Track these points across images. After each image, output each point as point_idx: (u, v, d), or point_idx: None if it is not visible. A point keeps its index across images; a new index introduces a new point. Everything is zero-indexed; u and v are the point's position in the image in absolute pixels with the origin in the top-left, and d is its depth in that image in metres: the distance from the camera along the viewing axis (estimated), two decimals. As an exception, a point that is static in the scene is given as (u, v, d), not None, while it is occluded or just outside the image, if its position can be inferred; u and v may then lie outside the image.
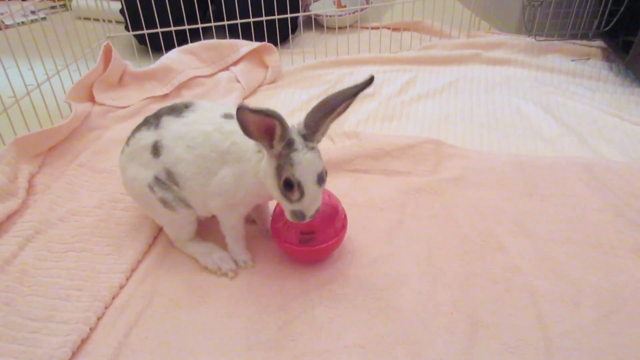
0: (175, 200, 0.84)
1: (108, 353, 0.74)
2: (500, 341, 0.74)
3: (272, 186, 0.74)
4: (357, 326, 0.77)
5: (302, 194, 0.71)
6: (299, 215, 0.74)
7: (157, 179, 0.83)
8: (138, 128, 0.87)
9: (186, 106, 0.85)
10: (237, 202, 0.82)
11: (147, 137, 0.84)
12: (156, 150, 0.83)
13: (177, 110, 0.85)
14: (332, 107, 0.72)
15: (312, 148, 0.72)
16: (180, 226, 0.89)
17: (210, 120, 0.82)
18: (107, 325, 0.79)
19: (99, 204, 1.03)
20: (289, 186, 0.71)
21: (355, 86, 0.73)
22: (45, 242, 0.93)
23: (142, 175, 0.84)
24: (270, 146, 0.71)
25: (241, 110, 0.65)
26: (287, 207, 0.74)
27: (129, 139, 0.88)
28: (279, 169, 0.71)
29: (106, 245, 0.93)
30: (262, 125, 0.69)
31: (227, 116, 0.82)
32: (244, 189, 0.80)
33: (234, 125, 0.75)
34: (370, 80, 0.74)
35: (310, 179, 0.71)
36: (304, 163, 0.70)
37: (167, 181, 0.83)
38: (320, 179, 0.72)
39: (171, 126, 0.83)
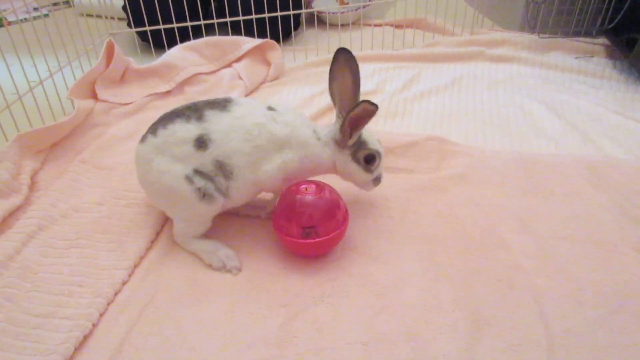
0: (217, 190, 0.85)
1: (110, 349, 0.74)
2: (502, 339, 0.74)
3: (354, 170, 0.90)
4: (360, 323, 0.77)
5: (380, 159, 0.91)
6: (379, 178, 0.94)
7: (196, 171, 0.84)
8: (169, 120, 0.86)
9: (227, 101, 0.88)
10: (292, 180, 0.90)
11: (187, 129, 0.84)
12: (202, 143, 0.83)
13: (220, 105, 0.87)
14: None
15: None
16: (202, 221, 0.89)
17: (258, 113, 0.87)
18: (110, 321, 0.79)
19: (102, 200, 1.03)
20: (371, 160, 0.90)
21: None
22: (47, 239, 0.93)
23: (176, 168, 0.84)
24: (349, 136, 0.87)
25: (374, 106, 0.81)
26: (368, 178, 0.92)
27: (155, 129, 0.86)
28: (355, 153, 0.89)
29: (109, 241, 0.93)
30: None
31: (270, 109, 0.88)
32: (305, 170, 0.90)
33: (287, 116, 0.88)
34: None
35: (380, 146, 0.92)
36: (373, 137, 0.91)
37: (213, 173, 0.84)
38: (381, 143, 0.93)
39: (220, 120, 0.85)
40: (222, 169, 0.85)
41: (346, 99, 0.89)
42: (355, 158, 0.89)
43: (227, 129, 0.84)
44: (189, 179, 0.84)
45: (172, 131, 0.85)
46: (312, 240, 0.84)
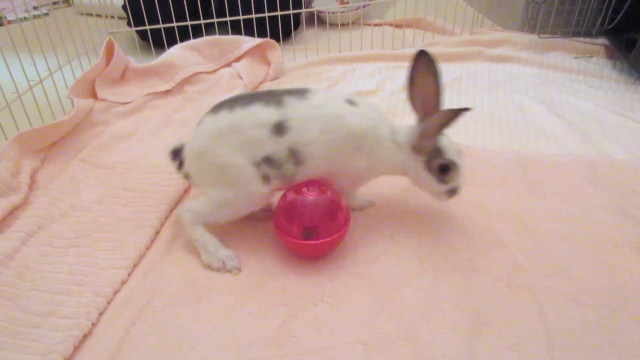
0: (279, 176, 0.84)
1: (110, 348, 0.74)
2: (501, 338, 0.74)
3: (426, 178, 0.86)
4: (359, 323, 0.77)
5: (457, 170, 0.85)
6: (455, 191, 0.88)
7: (266, 157, 0.82)
8: (249, 101, 0.83)
9: (305, 90, 0.85)
10: (362, 183, 0.92)
11: (267, 113, 0.81)
12: (280, 129, 0.81)
13: (298, 93, 0.84)
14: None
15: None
16: (238, 210, 0.87)
17: (337, 104, 0.84)
18: (109, 320, 0.79)
19: (101, 199, 1.03)
20: (446, 170, 0.85)
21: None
22: (47, 238, 0.93)
23: (247, 150, 0.81)
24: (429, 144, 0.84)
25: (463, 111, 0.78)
26: (442, 189, 0.87)
27: (232, 106, 0.83)
28: (429, 161, 0.85)
29: (108, 240, 0.93)
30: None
31: (349, 102, 0.85)
32: (375, 173, 0.90)
33: (366, 111, 0.85)
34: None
35: (458, 156, 0.86)
36: (451, 145, 0.86)
37: (284, 159, 0.82)
38: (460, 153, 0.86)
39: (298, 107, 0.82)
40: (295, 156, 0.82)
41: (429, 104, 0.84)
42: (429, 166, 0.85)
43: (305, 117, 0.82)
44: (257, 164, 0.82)
45: (251, 112, 0.81)
46: (313, 242, 0.84)
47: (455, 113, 0.79)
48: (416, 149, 0.85)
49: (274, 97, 0.83)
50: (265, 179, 0.84)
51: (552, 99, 1.38)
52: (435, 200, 0.92)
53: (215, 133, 0.83)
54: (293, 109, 0.82)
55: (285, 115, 0.81)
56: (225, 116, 0.83)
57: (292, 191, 0.86)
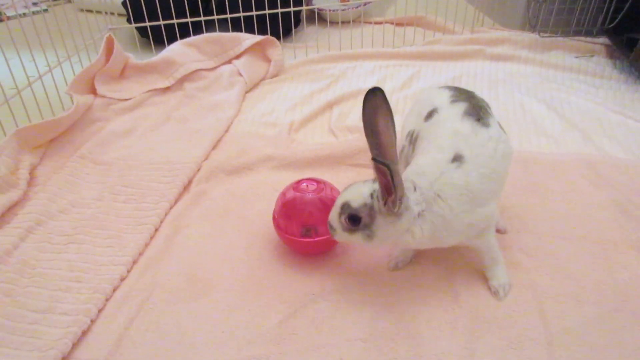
0: None
1: (108, 345, 0.73)
2: (501, 337, 0.73)
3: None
4: (359, 320, 0.77)
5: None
6: None
7: None
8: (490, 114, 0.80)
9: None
10: None
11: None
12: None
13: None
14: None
15: None
16: None
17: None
18: (108, 317, 0.78)
19: (100, 196, 1.02)
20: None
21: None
22: (45, 234, 0.92)
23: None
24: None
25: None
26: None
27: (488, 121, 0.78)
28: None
29: (107, 237, 0.92)
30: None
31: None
32: None
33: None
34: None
35: None
36: None
37: None
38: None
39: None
40: None
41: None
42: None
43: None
44: None
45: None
46: (312, 239, 0.84)
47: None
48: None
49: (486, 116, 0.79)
50: None
51: (553, 98, 1.38)
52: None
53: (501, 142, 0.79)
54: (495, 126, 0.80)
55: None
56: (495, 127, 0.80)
57: (291, 189, 0.86)
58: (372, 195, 0.70)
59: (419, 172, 0.74)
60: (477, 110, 0.79)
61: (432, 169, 0.73)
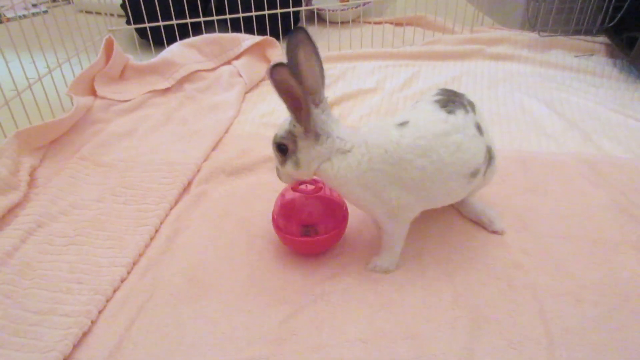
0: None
1: (109, 346, 0.74)
2: (501, 336, 0.74)
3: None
4: (359, 321, 0.77)
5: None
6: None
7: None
8: (467, 103, 0.82)
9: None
10: None
11: (470, 117, 0.80)
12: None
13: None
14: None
15: None
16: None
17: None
18: (109, 318, 0.78)
19: (101, 197, 1.03)
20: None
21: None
22: (46, 236, 0.93)
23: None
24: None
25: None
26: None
27: (467, 110, 0.80)
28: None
29: (107, 238, 0.93)
30: None
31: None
32: None
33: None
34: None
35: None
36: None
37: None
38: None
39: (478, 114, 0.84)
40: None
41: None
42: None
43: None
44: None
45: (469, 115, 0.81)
46: (312, 239, 0.84)
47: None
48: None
49: (465, 104, 0.82)
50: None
51: (553, 97, 1.38)
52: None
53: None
54: (478, 114, 0.84)
55: (477, 119, 0.82)
56: (468, 116, 0.82)
57: (290, 189, 0.86)
58: (291, 124, 0.76)
59: (368, 126, 0.80)
60: (450, 102, 0.81)
61: (377, 124, 0.80)
